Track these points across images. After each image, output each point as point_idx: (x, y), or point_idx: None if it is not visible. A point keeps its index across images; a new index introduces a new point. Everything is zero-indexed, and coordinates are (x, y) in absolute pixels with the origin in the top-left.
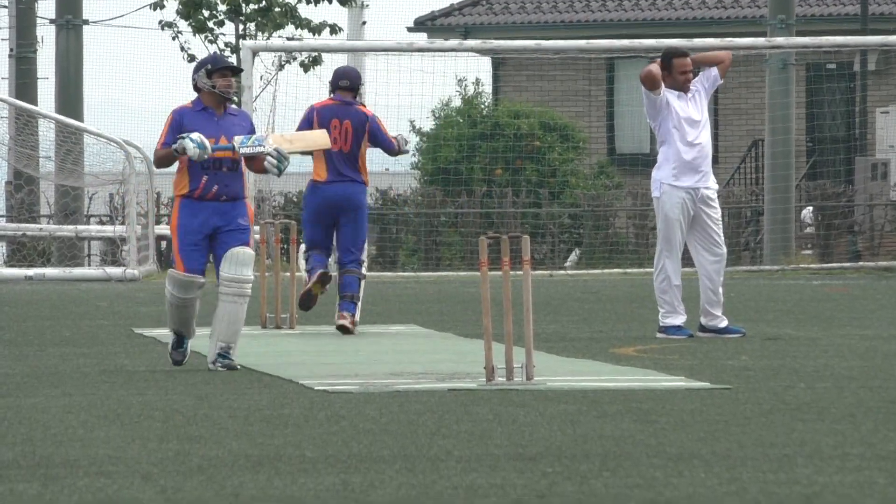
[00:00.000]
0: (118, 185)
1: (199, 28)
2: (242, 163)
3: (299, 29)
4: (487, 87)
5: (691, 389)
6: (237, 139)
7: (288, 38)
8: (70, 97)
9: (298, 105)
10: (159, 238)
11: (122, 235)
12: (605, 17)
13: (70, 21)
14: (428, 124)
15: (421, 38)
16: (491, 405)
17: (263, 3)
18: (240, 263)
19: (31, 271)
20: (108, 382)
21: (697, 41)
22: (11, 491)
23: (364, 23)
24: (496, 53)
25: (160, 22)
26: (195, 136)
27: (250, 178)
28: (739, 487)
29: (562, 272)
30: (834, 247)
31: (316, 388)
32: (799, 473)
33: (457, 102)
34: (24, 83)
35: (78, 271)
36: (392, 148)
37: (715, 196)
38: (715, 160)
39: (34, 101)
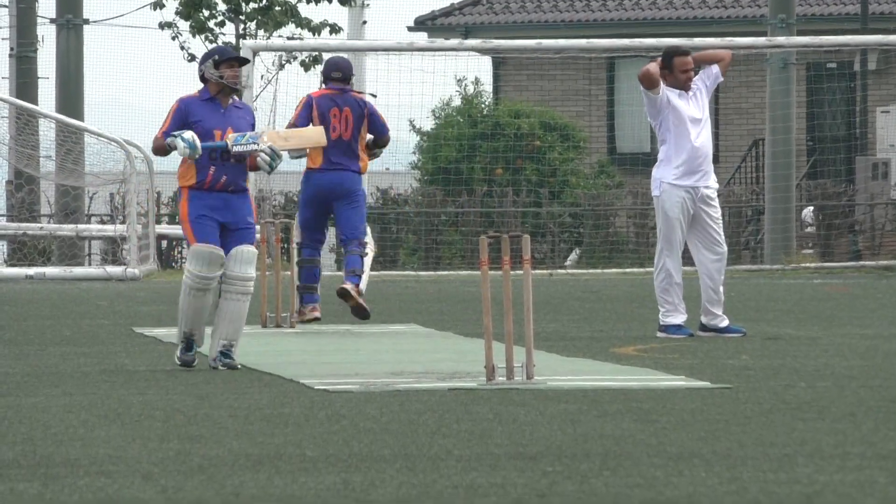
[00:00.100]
0: (119, 184)
1: (199, 28)
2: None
3: (300, 28)
4: (487, 87)
5: (692, 389)
6: (231, 137)
7: (288, 38)
8: (70, 96)
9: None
10: (160, 237)
11: (123, 235)
12: (606, 16)
13: (70, 20)
14: (428, 124)
15: (421, 38)
16: (491, 404)
17: (264, 2)
18: (245, 262)
19: (31, 270)
20: (109, 382)
21: (698, 40)
22: (12, 490)
23: (364, 22)
24: (496, 53)
25: (160, 23)
26: (187, 135)
27: (250, 177)
28: (740, 487)
29: (562, 271)
30: (834, 246)
31: (316, 387)
32: (799, 472)
33: (457, 102)
34: (25, 82)
35: (78, 270)
36: (385, 133)
37: (715, 195)
38: (715, 159)
39: (34, 101)
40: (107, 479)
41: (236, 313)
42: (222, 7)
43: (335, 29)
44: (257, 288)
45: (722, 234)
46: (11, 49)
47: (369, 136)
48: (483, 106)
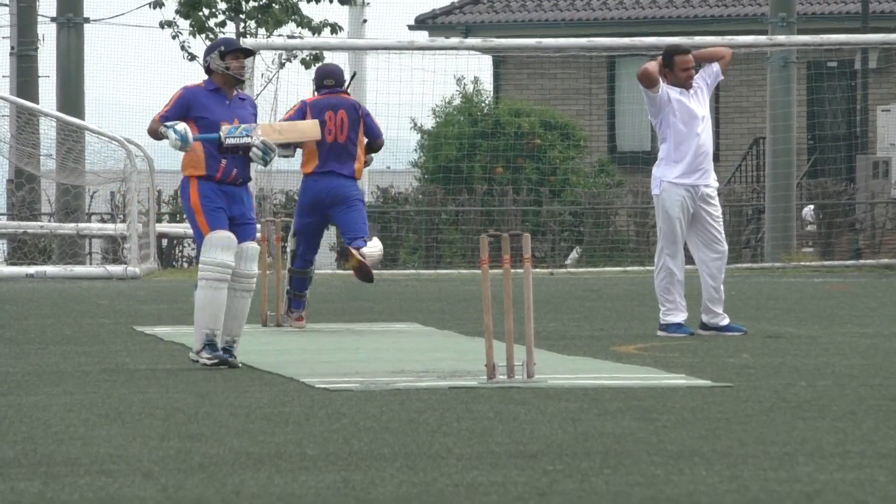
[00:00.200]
0: (119, 183)
1: (199, 28)
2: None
3: (300, 28)
4: (487, 86)
5: (692, 387)
6: (224, 129)
7: (288, 37)
8: (71, 95)
9: None
10: (160, 236)
11: (124, 233)
12: (606, 15)
13: (71, 19)
14: (429, 122)
15: (422, 37)
16: (492, 403)
17: (264, 0)
18: (249, 259)
19: (32, 269)
20: (109, 381)
21: (698, 39)
22: (12, 489)
23: (365, 21)
24: (497, 52)
25: (161, 22)
26: (180, 127)
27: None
28: (740, 485)
29: (563, 270)
30: (835, 245)
31: (317, 385)
32: (800, 471)
33: (458, 101)
34: (25, 81)
35: (79, 269)
36: (379, 138)
37: (715, 194)
38: (716, 158)
39: (35, 100)
40: (107, 478)
41: (240, 310)
42: (222, 6)
43: (335, 29)
44: (258, 286)
45: (722, 232)
46: (12, 48)
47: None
48: (483, 105)
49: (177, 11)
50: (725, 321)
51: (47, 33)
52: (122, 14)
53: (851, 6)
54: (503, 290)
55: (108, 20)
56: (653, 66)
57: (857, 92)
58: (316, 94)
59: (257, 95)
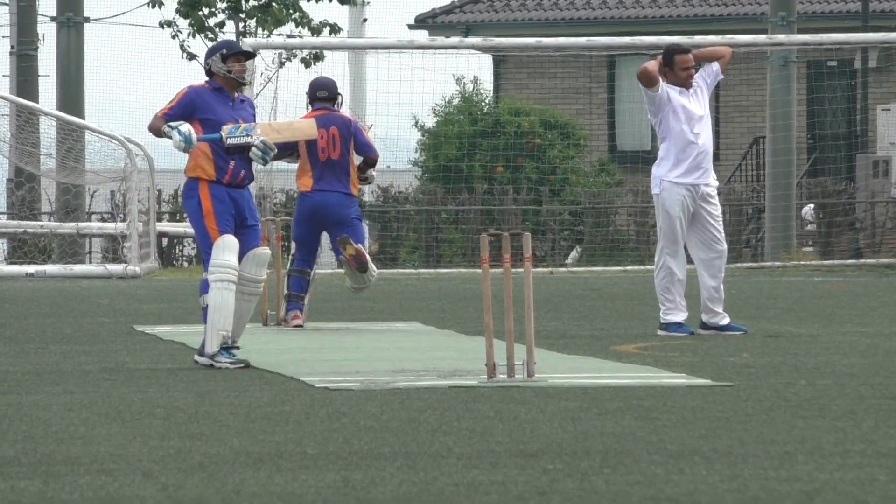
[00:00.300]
0: (119, 182)
1: (199, 27)
2: None
3: (299, 28)
4: (487, 85)
5: (692, 386)
6: (225, 129)
7: (288, 36)
8: (71, 94)
9: (299, 102)
10: (160, 235)
11: (124, 232)
12: (606, 14)
13: (71, 18)
14: (429, 121)
15: (422, 36)
16: (492, 402)
17: None
18: (260, 264)
19: (32, 268)
20: (110, 380)
21: (698, 38)
22: (13, 488)
23: (365, 20)
24: (497, 51)
25: (160, 21)
26: (184, 128)
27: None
28: (740, 484)
29: (563, 269)
30: (835, 244)
31: (317, 385)
32: (800, 470)
33: (458, 100)
34: (26, 80)
35: (79, 268)
36: (372, 153)
37: (715, 193)
38: (716, 157)
39: (35, 99)
40: (107, 477)
41: (245, 312)
42: (222, 5)
43: (335, 29)
44: None
45: (722, 231)
46: (12, 47)
47: (359, 159)
48: (483, 104)
49: (177, 11)
50: (725, 320)
51: (47, 32)
52: (122, 13)
53: (851, 5)
54: (503, 289)
55: (107, 19)
56: (653, 65)
57: (857, 91)
58: (309, 107)
59: (257, 94)
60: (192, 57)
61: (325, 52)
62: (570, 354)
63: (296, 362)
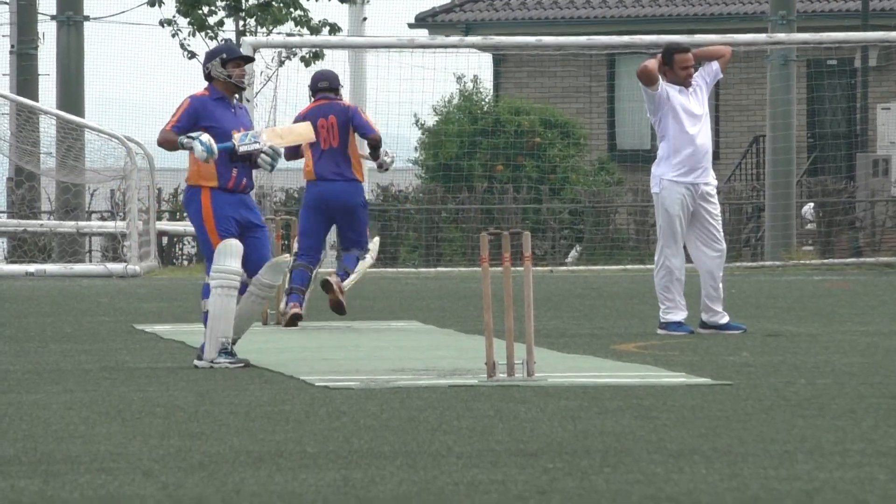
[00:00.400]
0: (119, 180)
1: (199, 26)
2: None
3: (299, 27)
4: (487, 84)
5: (692, 386)
6: (236, 137)
7: (287, 35)
8: (71, 93)
9: (299, 101)
10: (160, 234)
11: (124, 231)
12: (606, 13)
13: (71, 17)
14: (430, 120)
15: (422, 35)
16: (492, 401)
17: None
18: (279, 272)
19: (31, 267)
20: (110, 379)
21: (698, 37)
22: (13, 487)
23: (365, 19)
24: (497, 50)
25: (160, 20)
26: (205, 138)
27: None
28: (740, 483)
29: (563, 268)
30: (835, 243)
31: (317, 384)
32: (799, 469)
33: (458, 100)
34: (25, 79)
35: (79, 267)
36: (372, 132)
37: (714, 192)
38: (716, 156)
39: (35, 98)
40: (107, 476)
41: (252, 314)
42: (221, 3)
43: (334, 29)
44: None
45: (721, 231)
46: (12, 46)
47: (366, 149)
48: (483, 103)
49: (177, 9)
50: (725, 319)
51: (47, 31)
52: (122, 12)
53: (851, 4)
54: (503, 288)
55: (107, 18)
56: (652, 63)
57: (857, 90)
58: (312, 99)
59: (257, 93)
60: (192, 56)
61: (325, 51)
62: (570, 353)
63: (296, 361)
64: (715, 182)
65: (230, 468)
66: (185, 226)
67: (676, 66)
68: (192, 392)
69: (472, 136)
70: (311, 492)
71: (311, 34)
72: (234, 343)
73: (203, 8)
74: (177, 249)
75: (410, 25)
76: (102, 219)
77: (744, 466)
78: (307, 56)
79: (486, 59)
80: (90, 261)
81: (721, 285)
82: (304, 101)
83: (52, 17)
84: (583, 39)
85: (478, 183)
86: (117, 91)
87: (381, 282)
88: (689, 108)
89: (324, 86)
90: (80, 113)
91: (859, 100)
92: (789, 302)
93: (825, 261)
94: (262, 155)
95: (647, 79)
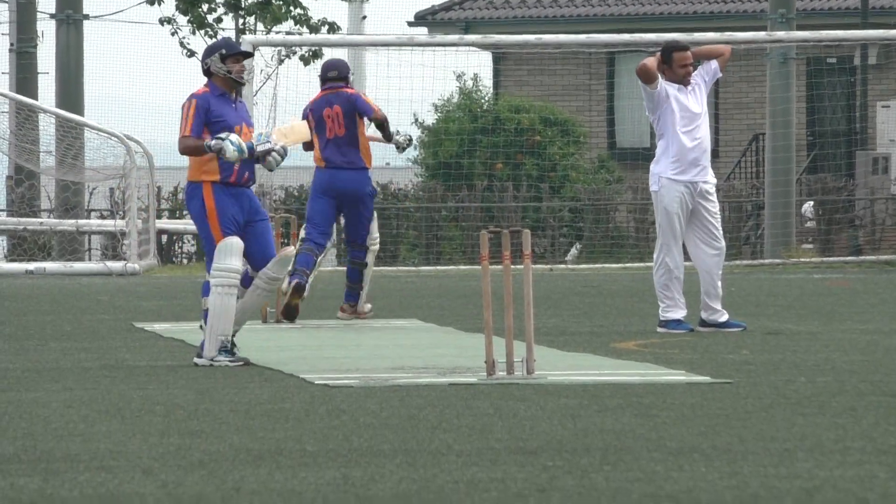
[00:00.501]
0: (119, 179)
1: (198, 24)
2: None
3: (298, 25)
4: (487, 82)
5: (692, 384)
6: (254, 136)
7: (287, 33)
8: (70, 92)
9: (299, 99)
10: (160, 232)
11: (123, 230)
12: (606, 11)
13: (70, 16)
14: (429, 118)
15: (421, 33)
16: (491, 399)
17: None
18: (285, 266)
19: (31, 266)
20: (109, 377)
21: (698, 35)
22: (12, 485)
23: (364, 17)
24: (497, 48)
25: (160, 18)
26: (234, 138)
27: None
28: (740, 481)
29: (562, 266)
30: (835, 241)
31: (317, 382)
32: (800, 467)
33: (457, 98)
34: (25, 78)
35: (79, 266)
36: (371, 112)
37: (713, 190)
38: (716, 154)
39: (34, 96)
40: (107, 475)
41: (255, 306)
42: (221, 1)
43: (333, 28)
44: None
45: (720, 229)
46: (11, 44)
47: (376, 134)
48: (483, 101)
49: (176, 8)
50: (724, 317)
51: (47, 30)
52: (122, 10)
53: (851, 2)
54: (503, 286)
55: (107, 16)
56: (651, 62)
57: (857, 88)
58: (322, 88)
59: (256, 92)
60: (191, 54)
61: (325, 49)
62: (570, 351)
63: (295, 360)
64: (714, 180)
65: (230, 466)
66: (185, 224)
67: (675, 65)
68: (192, 390)
69: (472, 134)
70: (310, 490)
71: (311, 33)
72: (235, 333)
73: (202, 6)
74: (176, 248)
75: (410, 24)
76: (102, 217)
77: (744, 464)
78: (307, 55)
79: (486, 57)
80: (90, 259)
81: (720, 283)
82: (304, 99)
83: (52, 16)
84: (582, 38)
85: (478, 181)
86: (117, 89)
87: (380, 280)
88: (688, 107)
89: (332, 75)
90: (80, 111)
91: (859, 98)
92: (789, 300)
93: (825, 259)
94: (274, 154)
95: (646, 77)
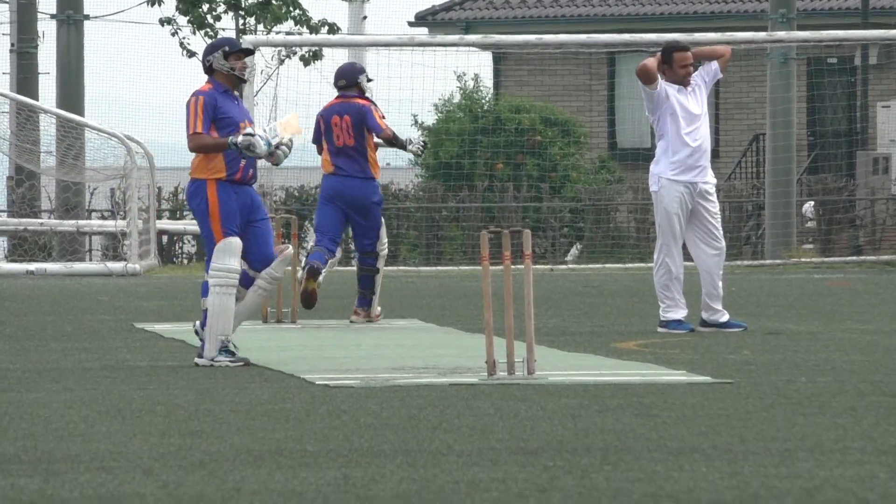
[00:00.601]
0: (119, 179)
1: (199, 24)
2: None
3: (298, 25)
4: (487, 82)
5: (692, 384)
6: (264, 131)
7: (287, 33)
8: (71, 92)
9: (299, 99)
10: (160, 233)
11: (124, 230)
12: (606, 11)
13: (71, 16)
14: (430, 118)
15: (422, 33)
16: (492, 399)
17: None
18: (286, 264)
19: (32, 266)
20: (110, 377)
21: (698, 35)
22: (13, 486)
23: (365, 17)
24: (497, 48)
25: (160, 18)
26: (262, 133)
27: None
28: (740, 481)
29: (563, 266)
30: (835, 241)
31: (317, 382)
32: (800, 467)
33: (458, 98)
34: (26, 78)
35: (79, 266)
36: (380, 131)
37: (713, 190)
38: (716, 154)
39: (35, 97)
40: (108, 475)
41: (257, 306)
42: None
43: (333, 29)
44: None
45: (720, 229)
46: (12, 45)
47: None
48: (484, 101)
49: (176, 8)
50: (725, 318)
51: (47, 30)
52: (122, 11)
53: (851, 2)
54: (504, 286)
55: (107, 17)
56: (651, 62)
57: (857, 88)
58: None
59: (257, 92)
60: (191, 54)
61: (326, 50)
62: (571, 352)
63: (296, 360)
64: (714, 180)
65: (230, 466)
66: (185, 224)
67: (675, 65)
68: (193, 390)
69: (473, 134)
70: (311, 490)
71: (311, 32)
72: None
73: (203, 6)
74: (177, 248)
75: (410, 24)
76: (102, 217)
77: (744, 464)
78: (307, 55)
79: (487, 58)
80: (90, 259)
81: (721, 283)
82: (304, 99)
83: (52, 16)
84: (583, 38)
85: (478, 181)
86: (117, 90)
87: (381, 280)
88: (688, 108)
89: (342, 84)
90: (80, 112)
91: (859, 98)
92: (789, 300)
93: (825, 259)
94: (283, 147)
95: (646, 77)
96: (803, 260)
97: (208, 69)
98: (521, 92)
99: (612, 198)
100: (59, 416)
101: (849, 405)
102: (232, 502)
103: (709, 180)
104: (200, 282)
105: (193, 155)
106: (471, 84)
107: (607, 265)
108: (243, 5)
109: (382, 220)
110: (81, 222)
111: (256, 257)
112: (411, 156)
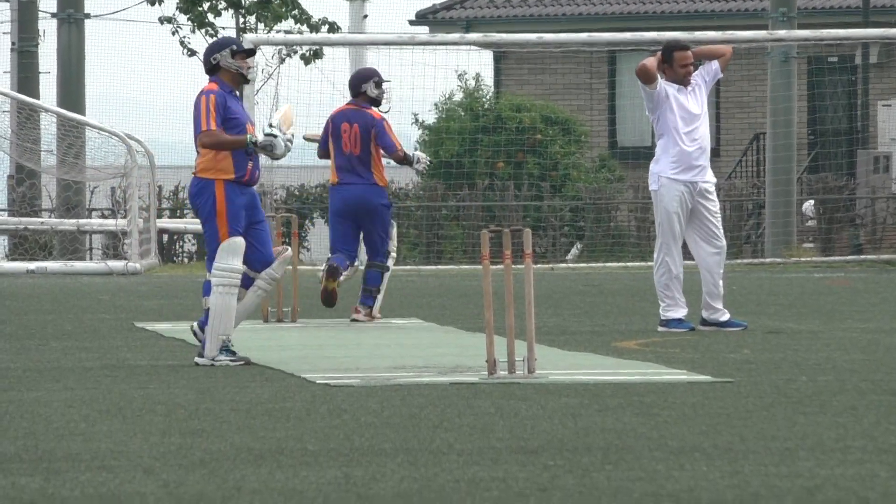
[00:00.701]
0: (120, 178)
1: (199, 23)
2: None
3: (298, 24)
4: (488, 81)
5: (693, 383)
6: (271, 127)
7: (287, 32)
8: (72, 91)
9: (300, 99)
10: (161, 231)
11: (124, 229)
12: (607, 10)
13: (72, 15)
14: (430, 117)
15: (422, 32)
16: (493, 399)
17: None
18: (286, 264)
19: (32, 265)
20: (110, 376)
21: (699, 34)
22: (13, 485)
23: (365, 16)
24: (498, 47)
25: (160, 17)
26: (278, 132)
27: None
28: (741, 480)
29: (563, 265)
30: (836, 240)
31: (318, 381)
32: (801, 466)
33: (459, 97)
34: (26, 77)
35: (80, 265)
36: (394, 151)
37: (713, 189)
38: (717, 153)
39: (36, 95)
40: (108, 474)
41: (255, 306)
42: None
43: (333, 28)
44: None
45: (721, 227)
46: (13, 43)
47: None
48: (484, 100)
49: (177, 7)
50: (725, 316)
51: (48, 29)
52: (123, 10)
53: (852, 0)
54: (504, 285)
55: (108, 16)
56: (651, 62)
57: (858, 87)
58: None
59: (258, 91)
60: (192, 53)
61: (327, 49)
62: (571, 351)
63: (296, 359)
64: (713, 179)
65: (231, 465)
66: (186, 223)
67: (676, 64)
68: (193, 390)
69: (473, 133)
70: (311, 489)
71: (311, 31)
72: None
73: (203, 5)
74: (177, 247)
75: (411, 22)
76: (103, 216)
77: (745, 463)
78: (307, 54)
79: (487, 56)
80: (91, 258)
81: (721, 282)
82: (304, 98)
83: (53, 15)
84: (583, 36)
85: (479, 180)
86: (118, 88)
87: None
88: (688, 107)
89: (353, 93)
90: (81, 110)
91: (860, 96)
92: (790, 299)
93: (826, 258)
94: (287, 143)
95: (646, 77)
96: (803, 259)
97: (212, 68)
98: (521, 91)
99: (613, 197)
100: (60, 414)
101: (849, 404)
102: (232, 501)
103: (709, 179)
104: (201, 281)
105: (195, 153)
106: (471, 83)
107: (608, 264)
108: (244, 4)
109: (393, 222)
110: (82, 221)
111: (256, 258)
112: (418, 174)
